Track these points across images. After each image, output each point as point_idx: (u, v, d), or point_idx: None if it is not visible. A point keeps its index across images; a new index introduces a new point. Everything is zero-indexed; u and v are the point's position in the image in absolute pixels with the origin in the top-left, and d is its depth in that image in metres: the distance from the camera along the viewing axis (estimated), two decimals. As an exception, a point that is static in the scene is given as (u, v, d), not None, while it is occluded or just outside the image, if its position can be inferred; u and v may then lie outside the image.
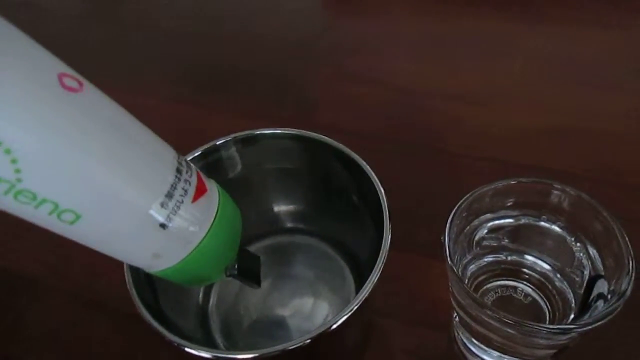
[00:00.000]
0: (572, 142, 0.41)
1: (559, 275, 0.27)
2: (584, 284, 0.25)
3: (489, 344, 0.25)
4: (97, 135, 0.17)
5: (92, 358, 0.32)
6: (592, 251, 0.25)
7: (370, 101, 0.47)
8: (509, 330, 0.22)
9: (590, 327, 0.20)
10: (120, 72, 0.54)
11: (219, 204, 0.21)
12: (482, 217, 0.27)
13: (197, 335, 0.29)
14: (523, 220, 0.27)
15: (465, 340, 0.28)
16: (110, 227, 0.18)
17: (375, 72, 0.50)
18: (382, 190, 0.26)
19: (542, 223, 0.26)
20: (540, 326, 0.21)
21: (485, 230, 0.27)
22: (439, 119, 0.44)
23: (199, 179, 0.21)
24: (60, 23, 0.64)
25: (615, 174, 0.38)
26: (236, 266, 0.24)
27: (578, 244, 0.25)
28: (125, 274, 0.24)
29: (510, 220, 0.27)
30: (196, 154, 0.29)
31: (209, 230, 0.21)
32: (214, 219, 0.21)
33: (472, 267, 0.27)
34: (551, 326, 0.21)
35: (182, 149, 0.22)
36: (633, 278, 0.21)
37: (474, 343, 0.27)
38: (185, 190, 0.19)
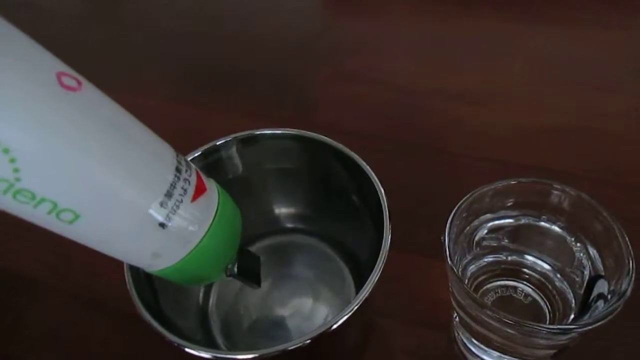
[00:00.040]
0: (572, 142, 0.41)
1: (559, 276, 0.27)
2: (584, 284, 0.25)
3: (489, 344, 0.25)
4: (95, 134, 0.17)
5: (92, 358, 0.32)
6: (592, 251, 0.25)
7: (370, 101, 0.47)
8: (509, 331, 0.22)
9: (590, 327, 0.20)
10: (120, 72, 0.54)
11: (218, 203, 0.21)
12: (482, 217, 0.27)
13: (197, 335, 0.29)
14: (523, 221, 0.27)
15: (465, 341, 0.28)
16: (110, 227, 0.18)
17: (375, 72, 0.50)
18: (382, 191, 0.26)
19: (542, 223, 0.26)
20: (540, 326, 0.21)
21: (485, 231, 0.27)
22: (439, 119, 0.44)
23: (199, 178, 0.21)
24: (60, 23, 0.64)
25: (615, 174, 0.38)
26: (236, 266, 0.24)
27: (578, 244, 0.25)
28: (125, 274, 0.24)
29: (510, 220, 0.27)
30: (196, 154, 0.29)
31: (208, 230, 0.21)
32: (214, 218, 0.21)
33: (472, 268, 0.27)
34: (551, 326, 0.21)
35: (182, 149, 0.22)
36: (633, 278, 0.21)
37: (474, 343, 0.27)
38: (185, 190, 0.19)
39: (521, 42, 0.51)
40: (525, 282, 0.28)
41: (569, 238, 0.26)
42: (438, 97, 0.46)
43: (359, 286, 0.31)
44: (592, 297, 0.24)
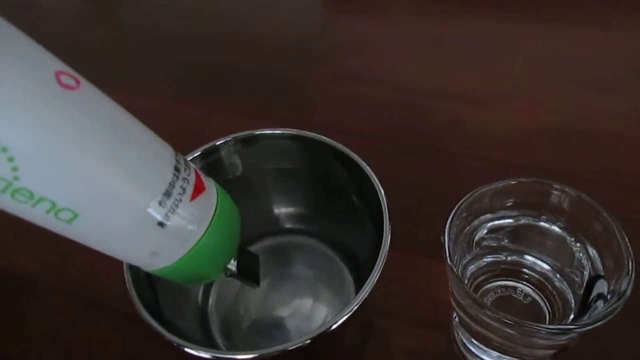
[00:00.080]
0: (572, 142, 0.41)
1: (558, 276, 0.27)
2: (584, 284, 0.25)
3: (489, 344, 0.25)
4: (94, 133, 0.17)
5: (92, 358, 0.32)
6: (592, 251, 0.24)
7: (370, 101, 0.47)
8: (509, 331, 0.22)
9: (590, 327, 0.20)
10: (120, 72, 0.54)
11: (217, 203, 0.21)
12: (482, 218, 0.27)
13: (196, 335, 0.29)
14: (523, 221, 0.27)
15: (464, 341, 0.28)
16: (108, 226, 0.18)
17: (375, 72, 0.50)
18: (382, 191, 0.26)
19: (542, 223, 0.26)
20: (539, 326, 0.21)
21: (485, 231, 0.27)
22: (439, 119, 0.44)
23: (197, 177, 0.21)
24: (60, 23, 0.64)
25: (615, 174, 0.38)
26: (236, 265, 0.24)
27: (578, 244, 0.25)
28: (125, 274, 0.24)
29: (510, 220, 0.27)
30: (196, 154, 0.29)
31: (207, 229, 0.21)
32: (213, 217, 0.21)
33: (471, 268, 0.27)
34: (551, 326, 0.21)
35: (182, 149, 0.22)
36: (633, 278, 0.21)
37: (474, 343, 0.27)
38: (184, 189, 0.19)
39: (521, 42, 0.50)
40: (524, 282, 0.28)
41: (568, 238, 0.26)
42: (438, 97, 0.46)
43: (358, 286, 0.31)
44: (591, 297, 0.24)
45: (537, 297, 0.27)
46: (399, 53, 0.52)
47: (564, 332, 0.21)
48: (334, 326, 0.22)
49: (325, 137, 0.29)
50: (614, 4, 0.53)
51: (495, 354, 0.26)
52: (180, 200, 0.19)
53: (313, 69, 0.52)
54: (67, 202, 0.16)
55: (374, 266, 0.23)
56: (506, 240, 0.27)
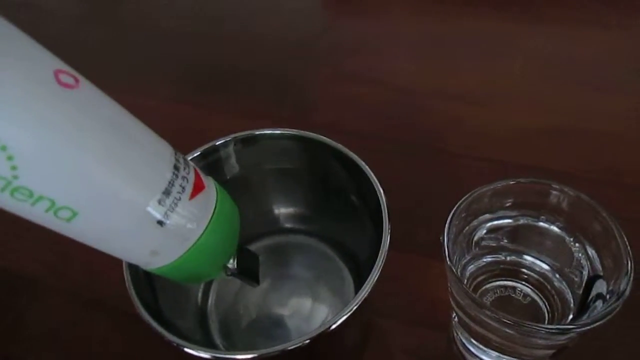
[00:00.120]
0: (572, 142, 0.41)
1: (557, 276, 0.27)
2: (583, 284, 0.25)
3: (488, 344, 0.25)
4: (93, 131, 0.17)
5: (92, 358, 0.32)
6: (591, 251, 0.25)
7: (370, 101, 0.47)
8: (508, 331, 0.22)
9: (589, 327, 0.20)
10: (120, 72, 0.54)
11: (216, 201, 0.21)
12: (481, 218, 0.27)
13: (195, 335, 0.29)
14: (522, 221, 0.27)
15: (464, 341, 0.28)
16: (108, 225, 0.18)
17: (375, 72, 0.50)
18: (382, 191, 0.26)
19: (541, 223, 0.26)
20: (539, 326, 0.21)
21: (484, 231, 0.27)
22: (438, 119, 0.44)
23: (197, 176, 0.21)
24: (60, 23, 0.64)
25: (615, 174, 0.38)
26: (236, 264, 0.24)
27: (577, 244, 0.25)
28: (124, 274, 0.24)
29: (509, 220, 0.27)
30: (196, 154, 0.29)
31: (206, 228, 0.21)
32: (212, 216, 0.21)
33: (471, 268, 0.27)
34: (550, 326, 0.21)
35: (182, 149, 0.22)
36: (632, 278, 0.21)
37: (473, 343, 0.27)
38: (183, 187, 0.19)
39: (521, 42, 0.51)
40: (524, 282, 0.28)
41: (567, 238, 0.26)
42: (438, 97, 0.46)
43: (358, 286, 0.31)
44: (590, 297, 0.24)
45: (536, 297, 0.27)
46: (399, 53, 0.52)
47: (563, 332, 0.21)
48: (334, 326, 0.22)
49: (324, 137, 0.29)
50: (614, 4, 0.53)
51: (494, 353, 0.26)
52: (180, 198, 0.19)
53: (313, 69, 0.52)
54: (66, 200, 0.16)
55: (373, 266, 0.23)
56: (505, 241, 0.28)
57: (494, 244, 0.28)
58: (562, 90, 0.45)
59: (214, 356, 0.22)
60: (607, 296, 0.22)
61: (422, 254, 0.33)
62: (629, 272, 0.22)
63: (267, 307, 0.32)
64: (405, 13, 0.58)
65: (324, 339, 0.22)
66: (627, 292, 0.21)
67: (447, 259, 0.23)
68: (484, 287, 0.28)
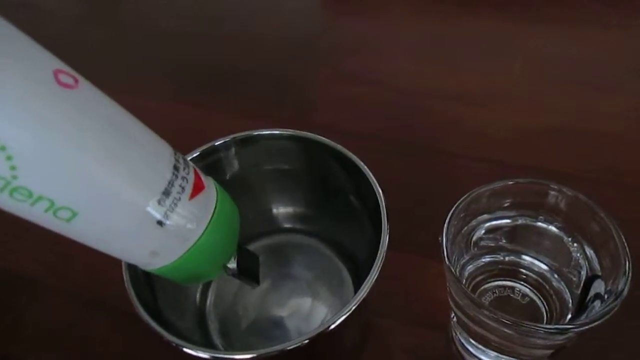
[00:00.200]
0: (572, 142, 0.41)
1: (556, 276, 0.27)
2: (581, 284, 0.25)
3: (487, 344, 0.25)
4: (92, 131, 0.17)
5: (92, 357, 0.32)
6: (589, 251, 0.25)
7: (370, 101, 0.47)
8: (507, 331, 0.22)
9: (587, 327, 0.20)
10: (120, 72, 0.54)
11: (216, 201, 0.21)
12: (480, 218, 0.27)
13: (194, 335, 0.29)
14: (520, 221, 0.27)
15: (463, 341, 0.28)
16: (107, 225, 0.18)
17: (374, 73, 0.50)
18: (380, 191, 0.27)
19: (540, 223, 0.26)
20: (537, 326, 0.21)
21: (483, 231, 0.27)
22: (438, 120, 0.44)
23: (197, 176, 0.21)
24: (60, 24, 0.64)
25: (615, 174, 0.38)
26: (236, 264, 0.24)
27: (575, 244, 0.25)
28: (124, 274, 0.24)
29: (508, 220, 0.27)
30: (195, 154, 0.29)
31: (206, 228, 0.21)
32: (212, 216, 0.21)
33: (469, 268, 0.27)
34: (548, 326, 0.21)
35: (182, 149, 0.22)
36: (630, 278, 0.21)
37: (472, 343, 0.27)
38: (183, 188, 0.19)
39: (521, 42, 0.50)
40: (522, 282, 0.28)
41: (566, 238, 0.26)
42: (437, 97, 0.46)
43: (357, 286, 0.31)
44: (589, 297, 0.24)
45: (534, 297, 0.27)
46: (399, 53, 0.52)
47: (562, 331, 0.21)
48: (333, 326, 0.22)
49: (323, 138, 0.29)
50: (614, 4, 0.53)
51: (493, 353, 0.26)
52: (180, 199, 0.19)
53: (313, 69, 0.52)
54: (65, 200, 0.16)
55: (372, 266, 0.24)
56: (504, 241, 0.28)
57: (492, 244, 0.28)
58: (562, 90, 0.45)
59: (213, 356, 0.22)
60: (605, 296, 0.22)
61: (421, 254, 0.33)
62: (627, 272, 0.22)
63: (266, 307, 0.32)
64: (405, 13, 0.58)
65: (323, 339, 0.22)
66: (625, 292, 0.21)
67: (446, 259, 0.24)
68: (482, 287, 0.28)
